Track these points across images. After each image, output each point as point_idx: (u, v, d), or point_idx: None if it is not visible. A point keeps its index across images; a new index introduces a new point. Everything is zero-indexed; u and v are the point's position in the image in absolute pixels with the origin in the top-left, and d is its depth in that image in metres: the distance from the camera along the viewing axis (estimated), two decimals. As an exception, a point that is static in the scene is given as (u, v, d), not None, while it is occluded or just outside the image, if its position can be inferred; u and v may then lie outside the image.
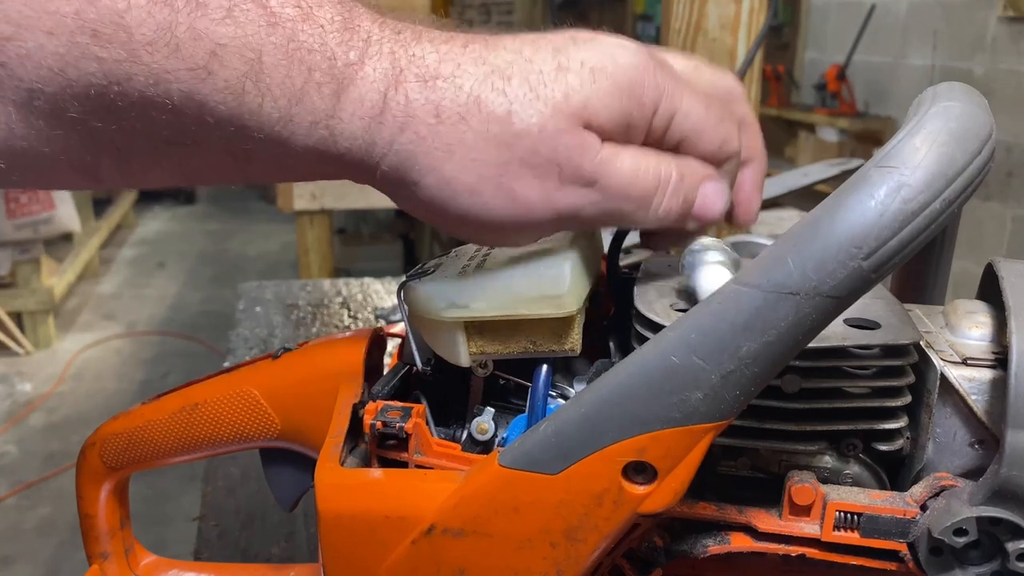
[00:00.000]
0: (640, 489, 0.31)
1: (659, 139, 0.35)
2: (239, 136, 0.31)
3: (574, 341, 0.37)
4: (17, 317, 3.27)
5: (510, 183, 0.32)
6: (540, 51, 0.33)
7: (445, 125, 0.32)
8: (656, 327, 0.34)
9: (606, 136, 0.33)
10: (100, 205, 4.53)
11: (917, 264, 0.44)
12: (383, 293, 1.32)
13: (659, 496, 0.31)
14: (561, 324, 0.36)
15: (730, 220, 0.42)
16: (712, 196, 0.36)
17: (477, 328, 0.37)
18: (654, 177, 0.34)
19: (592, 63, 0.33)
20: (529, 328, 0.37)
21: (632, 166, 0.34)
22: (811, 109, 3.66)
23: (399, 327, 0.45)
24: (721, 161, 0.37)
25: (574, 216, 0.34)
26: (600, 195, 0.33)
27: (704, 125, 0.35)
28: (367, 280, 1.38)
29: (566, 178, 0.33)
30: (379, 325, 0.82)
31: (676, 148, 0.36)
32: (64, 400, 2.91)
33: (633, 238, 0.43)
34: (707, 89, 0.37)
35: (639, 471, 0.31)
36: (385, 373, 0.43)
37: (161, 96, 0.29)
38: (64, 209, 3.25)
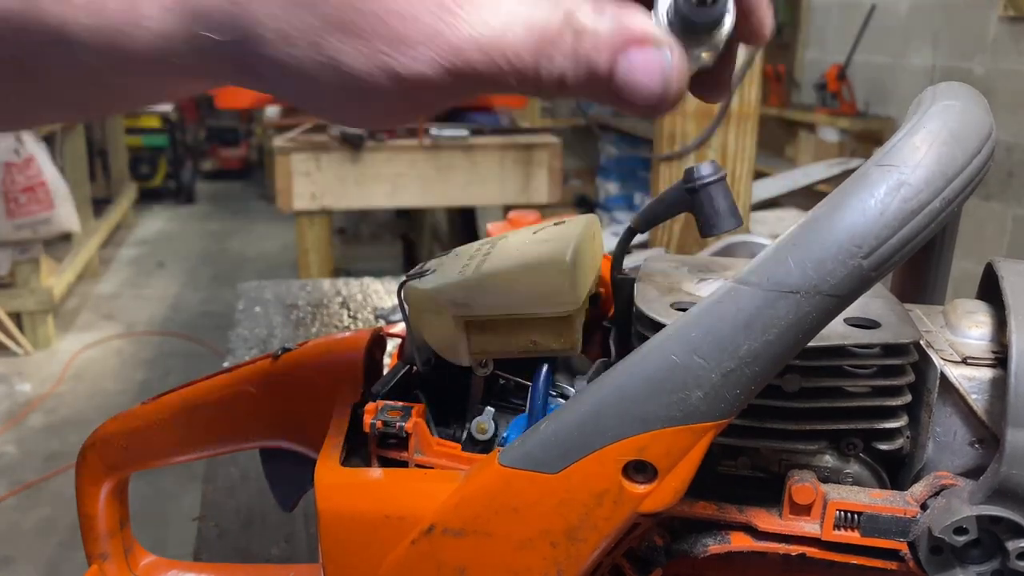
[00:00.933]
0: (640, 488, 0.31)
1: None
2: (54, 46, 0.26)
3: (574, 340, 0.37)
4: (17, 317, 3.27)
5: (330, 52, 0.25)
6: None
7: None
8: (657, 326, 0.34)
9: None
10: (100, 205, 4.53)
11: (917, 264, 0.44)
12: (383, 293, 1.32)
13: (659, 495, 0.31)
14: (561, 323, 0.36)
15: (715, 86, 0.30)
16: (639, 72, 0.26)
17: (477, 327, 0.37)
18: (537, 28, 0.25)
19: None
20: (529, 327, 0.37)
21: (506, 12, 0.25)
22: (811, 109, 3.66)
23: (399, 327, 0.45)
24: None
25: (425, 91, 0.26)
26: (460, 56, 0.25)
27: None
28: (367, 280, 1.38)
29: (401, 36, 0.25)
30: (379, 325, 0.82)
31: None
32: (63, 400, 2.91)
33: (634, 238, 0.43)
34: None
35: (639, 470, 0.30)
36: (385, 373, 0.43)
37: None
38: (63, 209, 3.25)
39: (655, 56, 0.26)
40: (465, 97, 0.27)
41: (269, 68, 0.26)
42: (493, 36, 0.25)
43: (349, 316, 1.23)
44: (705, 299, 0.29)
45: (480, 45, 0.25)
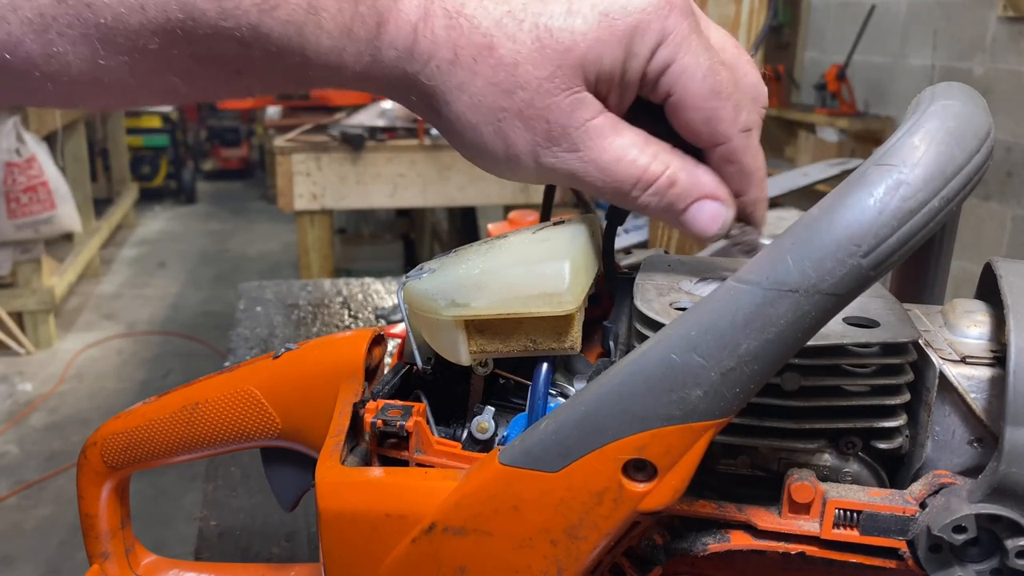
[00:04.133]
0: (640, 487, 0.31)
1: (651, 87, 0.35)
2: (300, 65, 0.34)
3: (574, 339, 0.37)
4: (18, 317, 3.27)
5: (506, 130, 0.35)
6: None
7: (460, 65, 0.34)
8: (656, 325, 0.35)
9: (604, 82, 0.34)
10: (101, 205, 4.53)
11: (917, 264, 0.44)
12: (383, 293, 1.32)
13: (659, 494, 0.31)
14: (561, 322, 0.36)
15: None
16: (705, 216, 0.36)
17: (477, 327, 0.37)
18: (638, 169, 0.35)
19: (603, 5, 0.34)
20: (529, 326, 0.37)
21: (620, 150, 0.35)
22: (811, 109, 3.66)
23: (399, 328, 0.45)
24: (707, 143, 0.36)
25: (555, 175, 0.36)
26: (581, 164, 0.35)
27: (698, 89, 0.34)
28: (367, 280, 1.38)
29: (552, 138, 0.35)
30: (379, 325, 0.82)
31: (665, 104, 0.35)
32: (65, 400, 2.92)
33: (633, 238, 0.43)
34: (732, 68, 0.36)
35: (639, 469, 0.31)
36: (385, 373, 0.43)
37: (231, 29, 0.32)
38: (65, 209, 3.25)
39: (719, 208, 0.36)
40: (565, 186, 0.38)
41: (449, 113, 0.36)
42: (609, 163, 0.35)
43: (350, 316, 1.23)
44: (704, 298, 0.29)
45: (599, 166, 0.35)
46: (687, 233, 0.36)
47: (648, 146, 0.35)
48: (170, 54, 0.32)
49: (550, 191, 0.46)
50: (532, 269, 0.36)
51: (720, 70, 0.35)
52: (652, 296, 0.37)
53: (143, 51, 0.32)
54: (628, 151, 0.35)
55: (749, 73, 0.38)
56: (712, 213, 0.36)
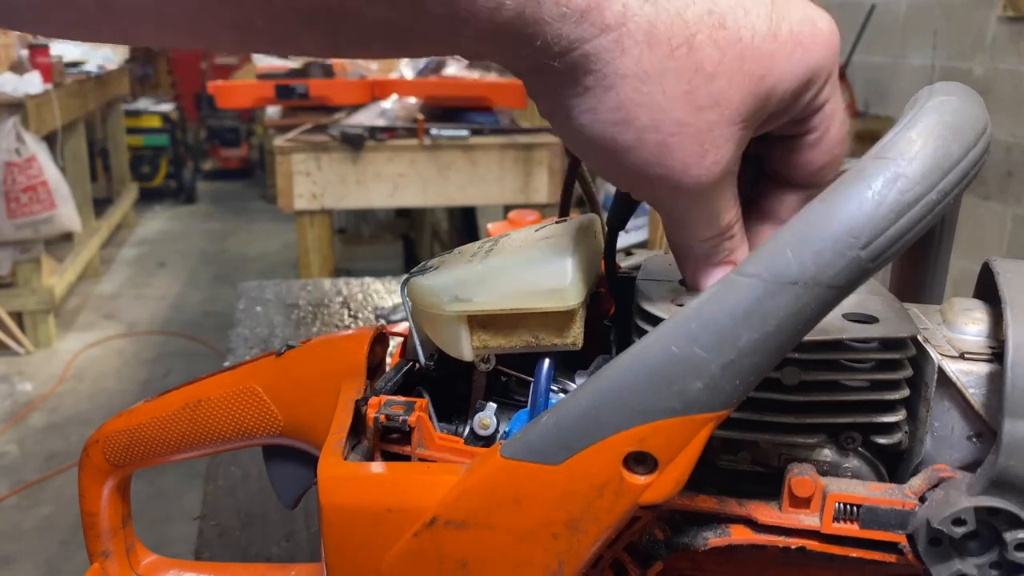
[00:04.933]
0: (641, 479, 0.31)
1: (799, 122, 0.33)
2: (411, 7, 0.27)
3: (576, 335, 0.37)
4: (18, 317, 3.27)
5: (674, 147, 0.30)
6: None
7: (653, 51, 0.28)
8: (657, 321, 0.35)
9: (766, 112, 0.31)
10: (101, 205, 4.53)
11: (916, 263, 0.44)
12: (383, 293, 1.32)
13: (660, 486, 0.31)
14: (563, 318, 0.37)
15: None
16: (713, 280, 0.34)
17: (480, 322, 0.37)
18: (721, 227, 0.33)
19: (796, 31, 0.30)
20: (532, 322, 0.37)
21: (717, 206, 0.33)
22: (811, 109, 3.66)
23: (401, 327, 0.45)
24: (810, 183, 0.35)
25: (678, 208, 0.33)
26: (689, 198, 0.32)
27: (836, 133, 0.33)
28: (367, 280, 1.38)
29: (693, 163, 0.31)
30: (380, 324, 0.82)
31: (794, 140, 0.34)
32: (65, 400, 2.92)
33: (633, 239, 0.44)
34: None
35: (640, 461, 0.31)
36: (388, 370, 0.44)
37: None
38: (65, 209, 3.26)
39: (726, 272, 0.33)
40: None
41: (603, 100, 0.30)
42: (714, 212, 0.33)
43: (350, 316, 1.23)
44: (705, 291, 0.29)
45: (708, 212, 0.33)
46: (689, 285, 0.36)
47: (736, 201, 0.33)
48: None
49: (568, 188, 0.46)
50: (535, 265, 0.36)
51: (847, 118, 0.34)
52: (653, 294, 0.37)
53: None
54: (719, 210, 0.33)
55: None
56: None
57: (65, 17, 0.28)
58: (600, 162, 0.32)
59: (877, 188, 0.26)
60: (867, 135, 3.31)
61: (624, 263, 0.47)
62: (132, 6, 0.27)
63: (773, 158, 0.36)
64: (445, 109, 2.35)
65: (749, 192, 0.37)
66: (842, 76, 3.40)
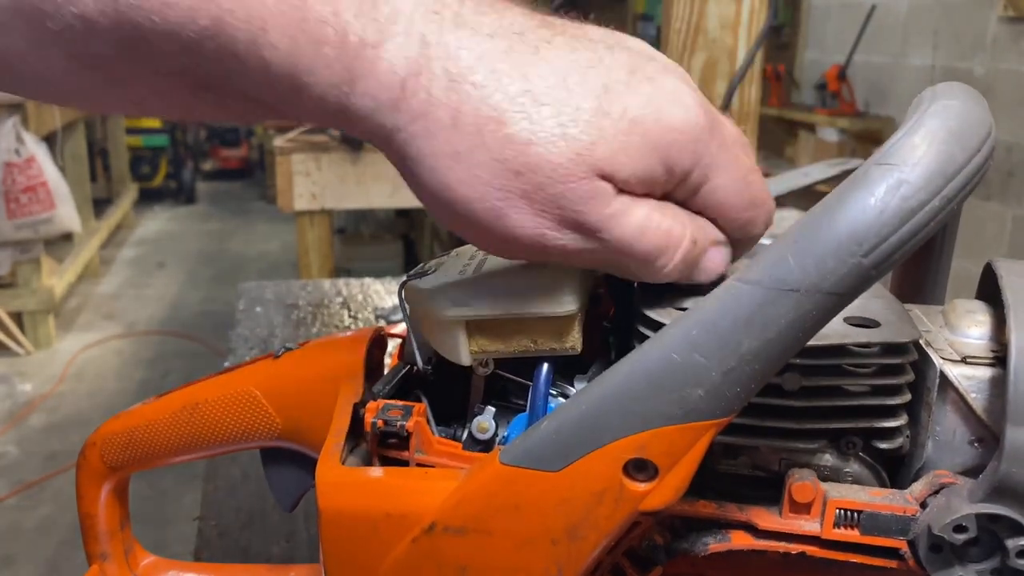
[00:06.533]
0: (641, 486, 0.31)
1: (680, 202, 0.34)
2: (259, 87, 0.31)
3: (575, 340, 0.37)
4: (17, 317, 3.27)
5: (505, 209, 0.31)
6: (588, 81, 0.31)
7: (460, 132, 0.30)
8: (657, 326, 0.35)
9: (621, 188, 0.32)
10: (100, 205, 4.53)
11: (917, 264, 0.44)
12: (383, 293, 1.32)
13: (660, 493, 0.31)
14: (562, 323, 0.36)
15: None
16: (714, 262, 0.35)
17: (478, 327, 0.37)
18: (663, 237, 0.33)
19: (635, 113, 0.31)
20: (530, 327, 0.37)
21: (641, 223, 0.32)
22: (811, 109, 3.66)
23: (400, 328, 0.45)
24: (736, 240, 0.36)
25: (563, 257, 0.33)
26: (599, 246, 0.32)
27: (732, 203, 0.34)
28: (367, 280, 1.38)
29: (565, 223, 0.31)
30: (379, 325, 0.82)
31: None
32: (64, 400, 2.92)
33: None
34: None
35: (640, 468, 0.31)
36: (386, 373, 0.43)
37: (183, 34, 0.29)
38: (64, 209, 3.26)
39: (723, 252, 0.35)
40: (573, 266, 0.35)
41: (430, 180, 0.32)
42: (633, 237, 0.32)
43: (350, 316, 1.23)
44: (706, 297, 0.29)
45: (624, 244, 0.32)
46: (694, 281, 0.35)
47: (664, 212, 0.33)
48: (127, 63, 0.30)
49: None
50: (533, 269, 0.36)
51: (754, 180, 0.34)
52: (654, 298, 0.37)
53: (98, 56, 0.30)
54: (649, 223, 0.32)
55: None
56: (719, 257, 0.35)
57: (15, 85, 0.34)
58: (468, 237, 0.34)
59: (880, 194, 0.26)
60: (867, 135, 3.31)
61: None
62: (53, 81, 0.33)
63: None
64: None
65: None
66: (843, 76, 3.41)
